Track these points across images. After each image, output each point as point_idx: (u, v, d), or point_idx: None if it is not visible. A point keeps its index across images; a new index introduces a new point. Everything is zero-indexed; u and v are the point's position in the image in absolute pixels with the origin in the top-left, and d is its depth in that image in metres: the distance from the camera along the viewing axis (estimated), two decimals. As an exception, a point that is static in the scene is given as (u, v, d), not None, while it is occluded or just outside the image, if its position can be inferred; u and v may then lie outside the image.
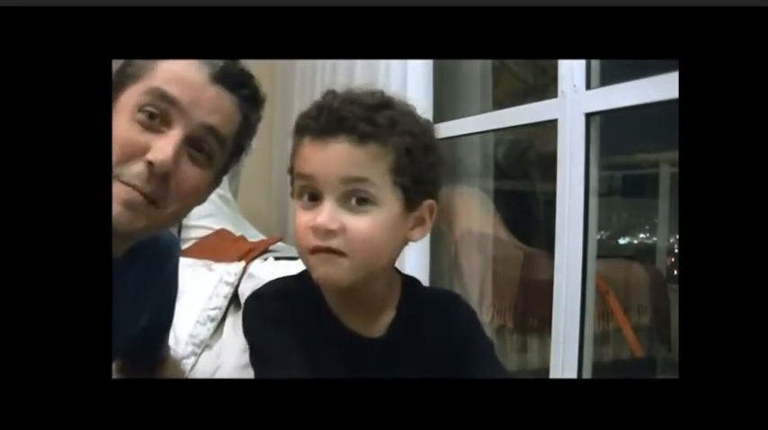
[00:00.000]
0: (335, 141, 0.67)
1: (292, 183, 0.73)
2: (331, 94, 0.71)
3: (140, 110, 0.69)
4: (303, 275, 0.77)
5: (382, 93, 0.73)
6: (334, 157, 0.67)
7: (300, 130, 0.71)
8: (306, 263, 0.71)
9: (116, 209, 0.67)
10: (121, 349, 0.87)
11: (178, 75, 0.70)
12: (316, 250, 0.68)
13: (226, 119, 0.73)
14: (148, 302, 0.89)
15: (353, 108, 0.68)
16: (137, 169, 0.68)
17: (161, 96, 0.69)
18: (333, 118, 0.68)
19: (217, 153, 0.74)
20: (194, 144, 0.71)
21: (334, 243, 0.67)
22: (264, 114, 0.80)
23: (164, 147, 0.68)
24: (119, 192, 0.68)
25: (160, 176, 0.69)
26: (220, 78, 0.71)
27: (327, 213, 0.67)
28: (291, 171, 0.73)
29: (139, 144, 0.68)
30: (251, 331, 0.74)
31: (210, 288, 1.56)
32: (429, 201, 0.73)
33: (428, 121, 0.76)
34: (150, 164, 0.68)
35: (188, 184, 0.72)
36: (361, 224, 0.67)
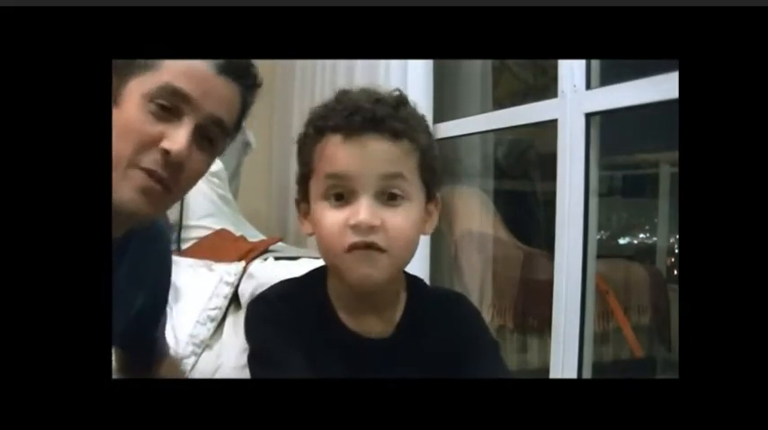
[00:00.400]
0: (373, 139, 0.68)
1: (305, 186, 0.73)
2: (346, 93, 0.72)
3: (151, 101, 0.71)
4: (307, 278, 0.77)
5: (396, 90, 0.74)
6: (372, 155, 0.68)
7: (322, 130, 0.70)
8: (340, 264, 0.69)
9: (131, 194, 0.70)
10: (119, 335, 0.87)
11: (189, 68, 0.72)
12: (354, 247, 0.67)
13: (230, 108, 0.76)
14: (143, 282, 0.90)
15: (382, 106, 0.69)
16: (153, 156, 0.71)
17: (173, 92, 0.71)
18: (368, 117, 0.68)
19: (220, 139, 0.77)
20: (202, 133, 0.74)
21: (374, 238, 0.67)
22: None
23: (178, 137, 0.71)
24: (136, 178, 0.71)
25: (175, 164, 0.72)
26: (226, 69, 0.74)
27: (368, 209, 0.67)
28: (307, 174, 0.72)
29: (153, 133, 0.71)
30: (253, 334, 0.73)
31: (210, 288, 1.56)
32: (437, 195, 0.75)
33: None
34: (166, 152, 0.71)
35: (195, 170, 0.75)
36: (397, 219, 0.68)
